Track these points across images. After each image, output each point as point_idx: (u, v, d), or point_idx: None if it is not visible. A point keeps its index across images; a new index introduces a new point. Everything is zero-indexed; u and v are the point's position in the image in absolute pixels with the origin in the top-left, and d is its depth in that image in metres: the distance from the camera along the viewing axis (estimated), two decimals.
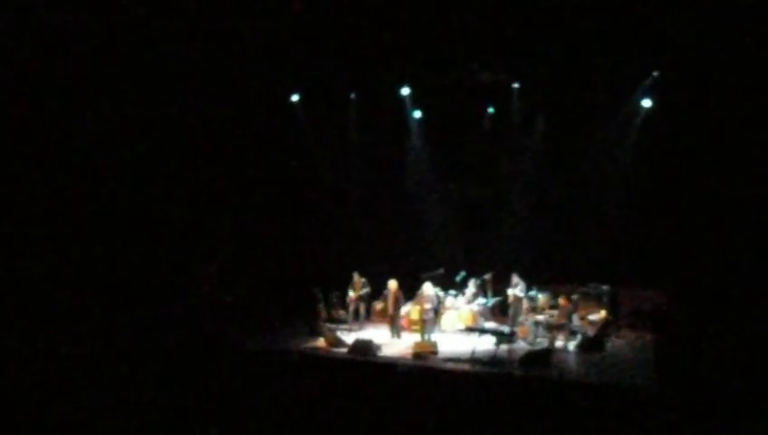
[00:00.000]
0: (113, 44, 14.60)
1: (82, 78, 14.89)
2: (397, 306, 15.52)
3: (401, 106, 18.46)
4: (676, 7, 13.54)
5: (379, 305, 16.95)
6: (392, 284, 15.61)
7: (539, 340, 14.66)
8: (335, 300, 16.88)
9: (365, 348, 13.84)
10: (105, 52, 14.69)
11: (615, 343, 14.74)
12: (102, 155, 15.93)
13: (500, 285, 16.19)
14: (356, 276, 16.20)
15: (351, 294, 16.20)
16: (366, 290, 16.18)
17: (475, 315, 15.90)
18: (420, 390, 11.70)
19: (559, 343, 14.36)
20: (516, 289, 15.57)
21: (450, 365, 13.11)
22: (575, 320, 14.77)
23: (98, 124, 15.65)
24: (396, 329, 15.50)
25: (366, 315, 16.50)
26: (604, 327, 14.74)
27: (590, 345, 14.02)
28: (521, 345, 14.36)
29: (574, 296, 15.18)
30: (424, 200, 19.39)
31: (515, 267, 16.01)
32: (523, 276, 15.70)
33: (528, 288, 15.56)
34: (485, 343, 13.98)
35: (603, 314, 15.14)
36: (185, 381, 11.56)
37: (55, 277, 14.55)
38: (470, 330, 14.69)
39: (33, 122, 14.77)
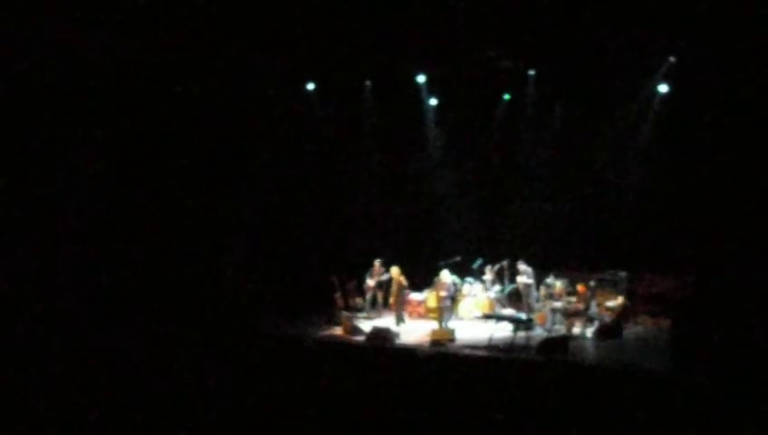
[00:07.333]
0: (130, 36, 14.66)
1: (101, 72, 15.01)
2: (398, 293, 15.59)
3: (417, 93, 18.43)
4: None
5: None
6: (394, 270, 15.68)
7: (556, 327, 14.67)
8: (352, 288, 16.93)
9: (382, 336, 13.91)
10: (123, 44, 14.77)
11: (633, 330, 14.73)
12: (119, 145, 16.05)
13: (517, 273, 16.21)
14: (377, 264, 16.22)
15: (369, 281, 16.25)
16: (385, 277, 16.20)
17: (492, 303, 15.92)
18: (438, 377, 11.75)
19: (576, 330, 14.38)
20: (524, 277, 15.57)
21: (467, 352, 13.16)
22: (593, 307, 14.76)
23: (113, 114, 15.76)
24: (398, 315, 15.61)
25: (383, 303, 16.55)
26: (622, 314, 14.72)
27: (608, 332, 14.02)
28: (538, 332, 14.39)
29: (592, 283, 15.13)
30: (440, 188, 19.37)
31: (521, 255, 16.04)
32: (533, 263, 15.72)
33: (543, 275, 15.55)
34: (503, 331, 14.03)
35: (621, 300, 15.12)
36: (203, 369, 11.65)
37: (76, 270, 14.72)
38: (487, 317, 14.73)
39: (45, 114, 14.91)
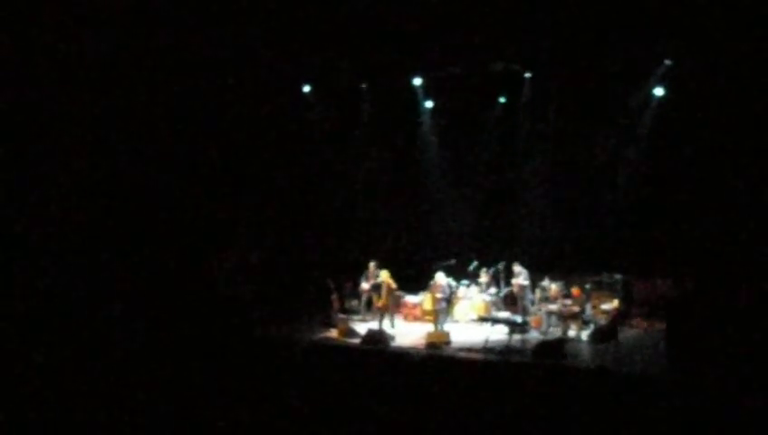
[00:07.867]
0: (130, 36, 14.66)
1: (100, 71, 14.98)
2: (388, 296, 15.56)
3: (413, 96, 18.43)
4: None
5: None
6: (383, 274, 15.62)
7: (552, 330, 14.66)
8: (348, 290, 16.89)
9: (377, 338, 13.88)
10: (122, 44, 14.76)
11: (628, 333, 14.73)
12: (118, 145, 16.01)
13: (512, 275, 16.21)
14: (372, 266, 16.16)
15: (364, 284, 16.21)
16: (379, 280, 16.14)
17: (488, 305, 15.90)
18: (433, 380, 11.72)
19: (572, 333, 14.36)
20: (520, 278, 15.57)
21: (463, 355, 13.13)
22: (588, 309, 14.76)
23: (112, 117, 15.73)
24: (390, 318, 15.58)
25: None
26: (617, 317, 14.72)
27: (603, 335, 13.98)
28: (534, 335, 14.37)
29: (587, 286, 15.15)
30: (436, 190, 19.38)
31: (518, 257, 16.05)
32: (528, 266, 15.72)
33: (538, 277, 15.55)
34: (498, 333, 14.01)
35: (616, 303, 15.11)
36: (199, 370, 11.62)
37: (72, 271, 14.66)
38: (483, 320, 14.71)
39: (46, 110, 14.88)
